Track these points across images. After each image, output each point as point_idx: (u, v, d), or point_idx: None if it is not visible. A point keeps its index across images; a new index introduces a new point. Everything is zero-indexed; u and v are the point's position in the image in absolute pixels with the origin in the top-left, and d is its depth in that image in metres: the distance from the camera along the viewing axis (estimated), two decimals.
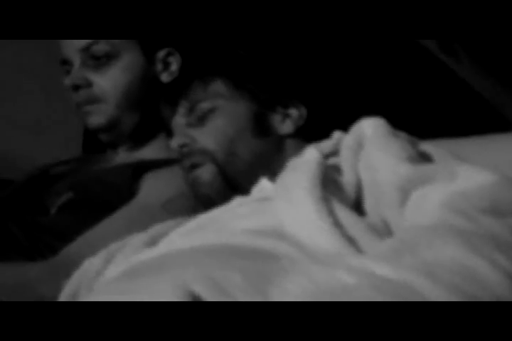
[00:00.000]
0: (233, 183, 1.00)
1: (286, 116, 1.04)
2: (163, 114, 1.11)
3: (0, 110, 1.80)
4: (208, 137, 1.01)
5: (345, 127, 0.93)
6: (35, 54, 1.81)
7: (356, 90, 1.50)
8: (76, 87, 1.20)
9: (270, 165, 1.00)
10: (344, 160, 0.82)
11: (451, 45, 1.95)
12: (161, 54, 1.25)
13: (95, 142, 1.34)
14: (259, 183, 0.96)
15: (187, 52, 1.25)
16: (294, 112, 1.04)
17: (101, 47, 1.19)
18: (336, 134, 0.90)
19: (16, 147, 1.78)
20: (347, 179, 0.80)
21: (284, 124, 1.04)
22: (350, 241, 0.66)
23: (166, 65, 1.25)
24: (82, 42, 1.19)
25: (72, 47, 1.20)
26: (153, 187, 1.12)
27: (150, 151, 1.25)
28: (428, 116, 1.62)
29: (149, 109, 1.23)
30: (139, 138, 1.26)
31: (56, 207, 1.10)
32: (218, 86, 1.04)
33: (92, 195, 1.11)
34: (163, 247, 0.74)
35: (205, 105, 1.03)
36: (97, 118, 1.21)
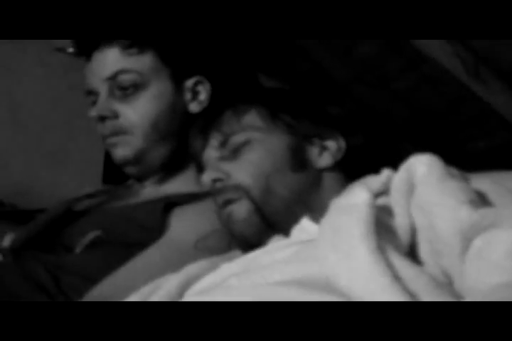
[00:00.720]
0: (270, 220, 0.94)
1: (324, 148, 0.99)
2: (194, 146, 1.04)
3: (20, 140, 1.78)
4: (243, 172, 0.95)
5: (385, 160, 0.88)
6: (58, 84, 1.79)
7: (394, 122, 1.45)
8: (102, 118, 1.15)
9: (308, 200, 0.94)
10: (395, 201, 0.76)
11: (476, 67, 1.91)
12: (190, 83, 1.18)
13: (116, 172, 1.28)
14: (300, 223, 0.90)
15: (217, 80, 1.19)
16: (332, 144, 0.99)
17: (128, 76, 1.13)
18: (385, 172, 0.84)
19: (37, 178, 1.75)
20: (399, 223, 0.74)
21: (322, 157, 0.98)
22: (414, 298, 0.60)
23: (195, 94, 1.19)
24: (109, 72, 1.14)
25: (98, 77, 1.15)
26: (184, 224, 1.05)
27: (178, 185, 1.18)
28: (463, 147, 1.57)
29: (178, 141, 1.17)
30: (167, 170, 1.20)
31: (82, 246, 1.04)
32: (253, 117, 0.99)
33: (121, 234, 1.05)
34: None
35: (238, 138, 0.97)
36: (124, 150, 1.16)
